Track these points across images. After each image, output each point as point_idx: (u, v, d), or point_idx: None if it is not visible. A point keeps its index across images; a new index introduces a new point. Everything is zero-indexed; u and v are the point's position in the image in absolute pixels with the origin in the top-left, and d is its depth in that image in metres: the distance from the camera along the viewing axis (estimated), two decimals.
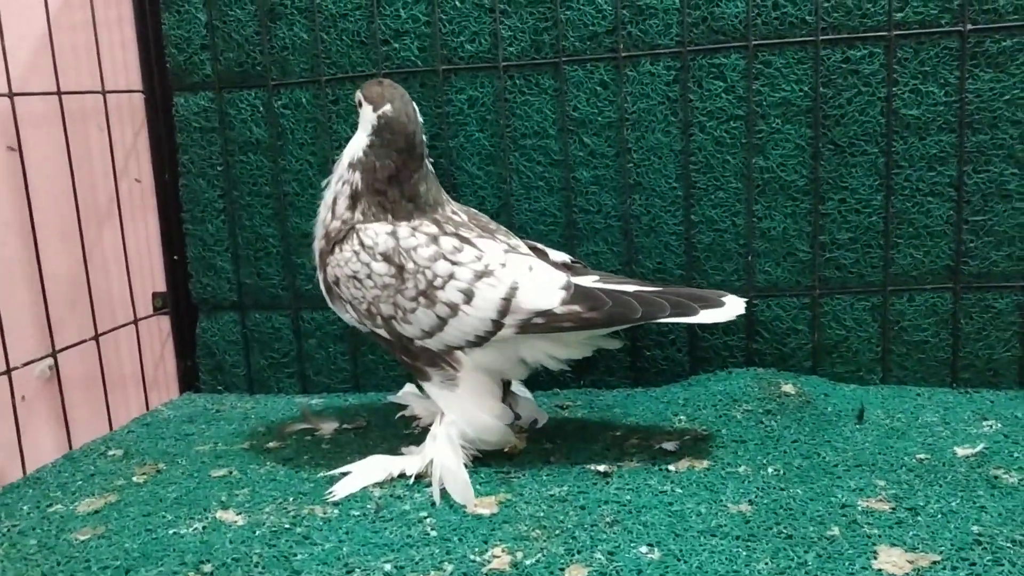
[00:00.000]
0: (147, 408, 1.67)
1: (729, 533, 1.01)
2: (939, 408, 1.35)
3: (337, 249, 1.24)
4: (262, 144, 1.59)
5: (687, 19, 1.41)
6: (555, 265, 1.27)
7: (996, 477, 1.11)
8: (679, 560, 0.96)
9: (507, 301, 1.17)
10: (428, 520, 1.10)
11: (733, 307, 1.19)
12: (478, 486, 1.18)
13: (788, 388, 1.40)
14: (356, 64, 1.52)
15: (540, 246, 1.35)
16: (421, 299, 1.19)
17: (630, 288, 1.21)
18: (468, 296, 1.18)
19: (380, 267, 1.21)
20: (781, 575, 0.92)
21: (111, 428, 1.56)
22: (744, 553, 0.96)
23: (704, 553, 0.97)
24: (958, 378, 1.44)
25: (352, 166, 1.25)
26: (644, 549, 0.98)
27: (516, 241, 1.31)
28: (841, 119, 1.40)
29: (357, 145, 1.26)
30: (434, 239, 1.21)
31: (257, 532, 1.09)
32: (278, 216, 1.60)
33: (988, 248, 1.39)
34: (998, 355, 1.42)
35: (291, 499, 1.18)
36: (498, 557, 0.99)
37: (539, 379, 1.52)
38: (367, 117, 1.25)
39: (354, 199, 1.25)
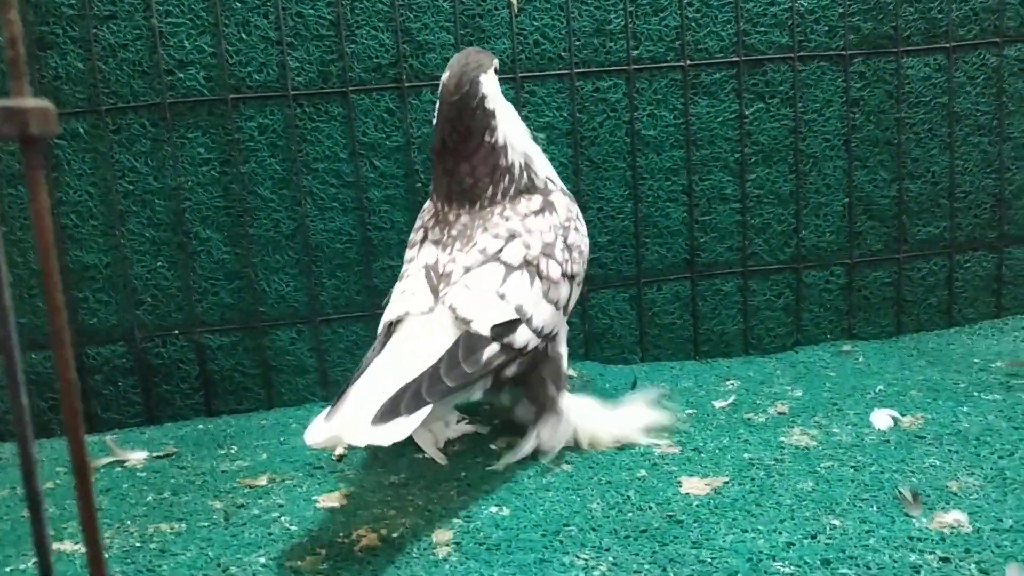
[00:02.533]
0: None
1: (560, 487, 1.17)
2: (691, 375, 1.62)
3: None
4: None
5: None
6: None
7: (749, 419, 1.37)
8: (527, 511, 1.10)
9: (385, 306, 1.24)
10: (283, 519, 1.15)
11: (325, 430, 0.99)
12: (317, 485, 1.25)
13: (571, 372, 1.60)
14: (139, 93, 1.53)
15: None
16: None
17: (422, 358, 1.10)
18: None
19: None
20: (612, 509, 1.09)
21: None
22: (578, 499, 1.13)
23: (546, 503, 1.12)
24: (700, 351, 1.73)
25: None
26: (494, 509, 1.12)
27: (469, 269, 1.19)
28: (595, 140, 1.64)
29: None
30: (417, 230, 1.28)
31: (108, 555, 1.08)
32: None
33: (714, 242, 1.70)
34: (728, 329, 1.73)
35: (128, 522, 1.18)
36: (365, 536, 1.08)
37: None
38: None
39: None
